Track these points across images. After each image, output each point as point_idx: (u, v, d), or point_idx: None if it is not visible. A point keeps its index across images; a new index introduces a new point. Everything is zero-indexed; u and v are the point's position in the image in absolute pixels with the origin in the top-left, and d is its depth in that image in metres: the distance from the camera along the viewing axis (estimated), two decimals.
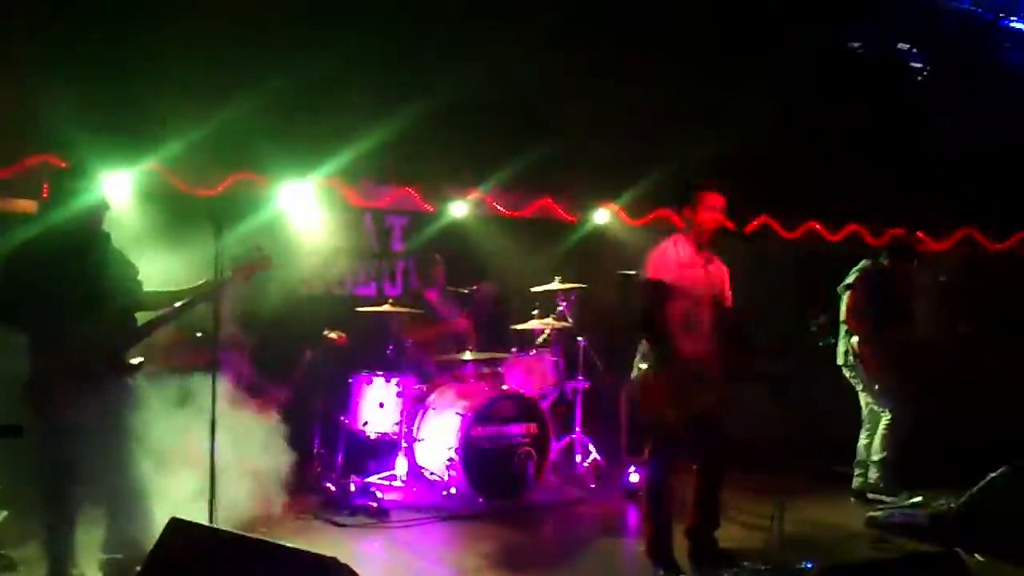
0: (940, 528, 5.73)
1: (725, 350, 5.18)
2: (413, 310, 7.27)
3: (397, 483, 6.84)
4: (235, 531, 3.61)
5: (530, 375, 7.37)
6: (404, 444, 6.89)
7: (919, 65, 8.97)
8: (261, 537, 3.09)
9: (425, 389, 7.15)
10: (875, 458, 6.84)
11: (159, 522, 3.30)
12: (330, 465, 6.81)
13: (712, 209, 5.22)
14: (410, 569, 5.46)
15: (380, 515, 6.24)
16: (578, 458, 7.48)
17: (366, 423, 6.99)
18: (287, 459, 5.94)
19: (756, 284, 6.08)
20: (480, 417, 6.64)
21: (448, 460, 6.54)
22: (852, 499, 6.91)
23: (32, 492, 4.45)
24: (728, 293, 5.38)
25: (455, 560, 5.61)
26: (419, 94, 7.54)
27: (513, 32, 7.86)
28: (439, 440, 6.74)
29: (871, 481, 6.86)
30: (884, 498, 6.67)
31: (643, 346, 5.25)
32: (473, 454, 6.56)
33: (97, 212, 4.51)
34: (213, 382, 4.44)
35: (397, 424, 6.89)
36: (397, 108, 7.48)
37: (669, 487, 5.21)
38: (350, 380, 7.15)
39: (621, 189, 8.99)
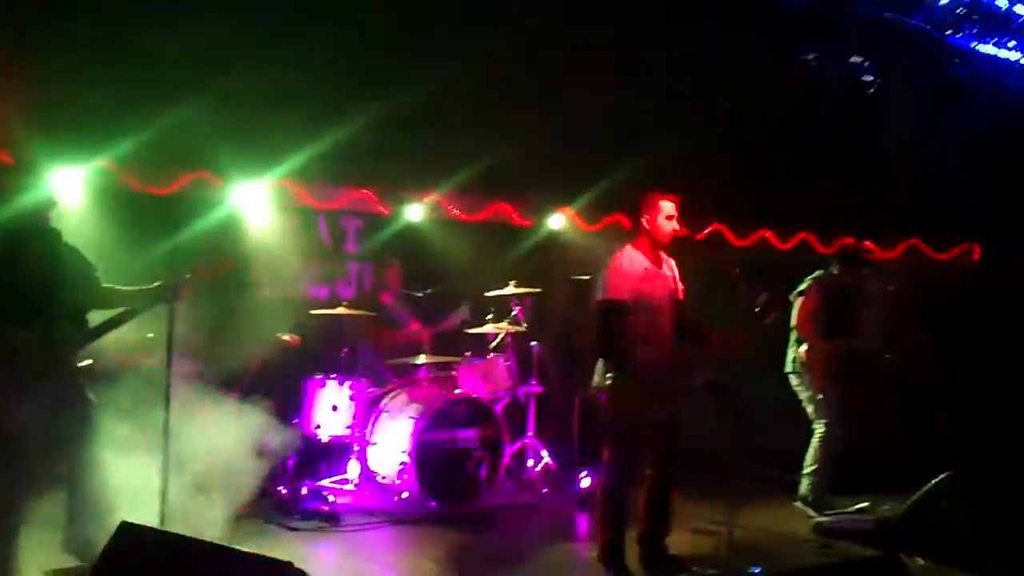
0: (885, 533, 5.83)
1: (687, 350, 5.24)
2: (367, 313, 7.25)
3: (349, 487, 6.81)
4: (186, 535, 3.57)
5: (484, 379, 7.38)
6: (356, 448, 6.87)
7: (870, 78, 9.14)
8: (212, 541, 3.07)
9: (378, 393, 7.14)
10: (807, 470, 6.90)
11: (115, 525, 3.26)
12: (282, 469, 6.76)
13: (667, 216, 5.26)
14: (361, 573, 5.45)
15: (332, 519, 6.21)
16: (531, 463, 7.50)
17: (319, 426, 6.95)
18: (239, 463, 5.87)
19: (706, 290, 6.14)
20: (433, 421, 6.64)
21: (401, 464, 6.54)
22: (798, 505, 6.99)
23: None
24: (680, 286, 5.44)
25: (407, 564, 5.61)
26: (375, 96, 7.51)
27: (470, 35, 7.87)
28: (392, 444, 6.72)
29: (803, 493, 6.92)
30: (816, 510, 6.76)
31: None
32: (426, 458, 6.55)
33: (43, 209, 4.43)
34: (166, 385, 4.40)
35: (350, 427, 6.87)
36: (352, 109, 7.46)
37: (622, 493, 5.26)
38: (303, 383, 7.11)
39: (576, 194, 9.03)
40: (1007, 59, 9.98)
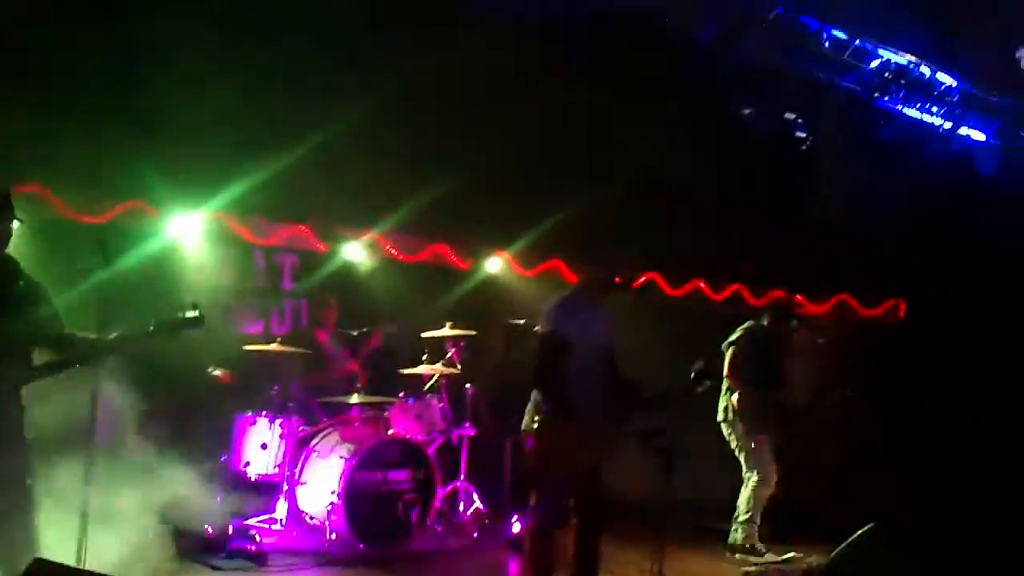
0: None
1: (617, 400, 5.27)
2: (301, 350, 7.17)
3: (277, 527, 6.67)
4: (102, 572, 3.48)
5: (417, 421, 7.33)
6: (285, 487, 6.76)
7: (803, 135, 9.42)
8: None
9: (310, 431, 7.04)
10: (739, 518, 7.01)
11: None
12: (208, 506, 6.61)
13: (604, 264, 5.34)
14: None
15: (258, 559, 6.08)
16: (462, 506, 7.45)
17: (247, 464, 6.83)
18: (164, 498, 5.75)
19: (639, 338, 6.21)
20: (364, 462, 6.56)
21: (330, 504, 6.44)
22: (728, 554, 7.06)
23: None
24: (614, 338, 5.45)
25: None
26: (313, 131, 7.48)
27: (413, 75, 7.89)
28: (322, 484, 6.62)
29: (736, 541, 7.00)
30: (749, 558, 6.84)
31: (536, 396, 5.30)
32: (356, 499, 6.47)
33: None
34: (92, 417, 4.29)
35: (279, 466, 6.76)
36: (291, 144, 7.42)
37: (552, 537, 5.25)
38: (233, 419, 6.99)
39: (514, 238, 9.10)
40: (931, 124, 10.37)
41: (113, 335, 4.39)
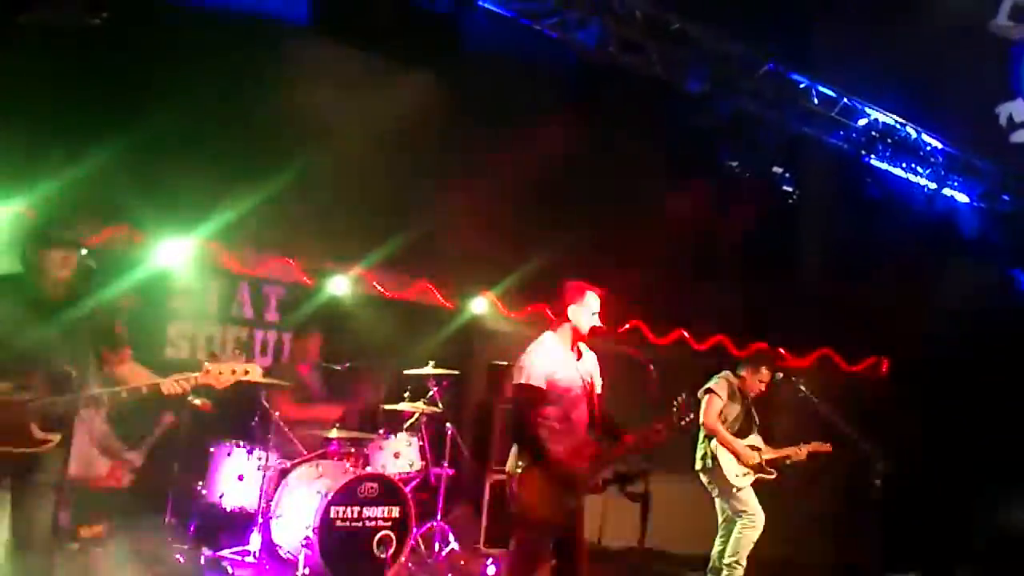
0: None
1: (599, 443, 5.26)
2: (283, 383, 7.15)
3: (250, 559, 6.60)
4: None
5: (396, 458, 7.31)
6: (260, 519, 6.70)
7: (790, 189, 9.52)
8: None
9: (288, 465, 7.00)
10: (727, 561, 7.01)
11: None
12: (181, 536, 6.55)
13: (591, 309, 5.33)
14: None
15: None
16: (437, 546, 7.40)
17: (223, 495, 6.77)
18: (136, 527, 5.71)
19: (621, 386, 6.21)
20: (341, 497, 6.52)
21: (304, 539, 6.39)
22: None
23: None
24: (598, 381, 5.42)
25: None
26: (302, 164, 7.47)
27: (403, 111, 7.91)
28: (297, 518, 6.57)
29: None
30: None
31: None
32: (330, 535, 6.41)
33: None
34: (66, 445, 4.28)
35: (256, 498, 6.71)
36: (280, 176, 7.39)
37: None
38: (211, 449, 6.95)
39: (500, 280, 9.12)
40: (916, 184, 10.51)
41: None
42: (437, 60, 7.76)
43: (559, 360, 5.19)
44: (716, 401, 7.08)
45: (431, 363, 7.55)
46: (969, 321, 10.56)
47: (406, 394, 7.53)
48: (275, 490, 6.83)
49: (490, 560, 7.40)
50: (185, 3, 7.30)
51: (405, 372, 7.63)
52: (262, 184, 7.36)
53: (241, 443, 6.91)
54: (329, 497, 6.46)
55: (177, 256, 7.54)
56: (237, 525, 6.84)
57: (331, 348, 7.91)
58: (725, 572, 7.01)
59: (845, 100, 9.50)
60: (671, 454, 6.00)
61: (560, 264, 8.19)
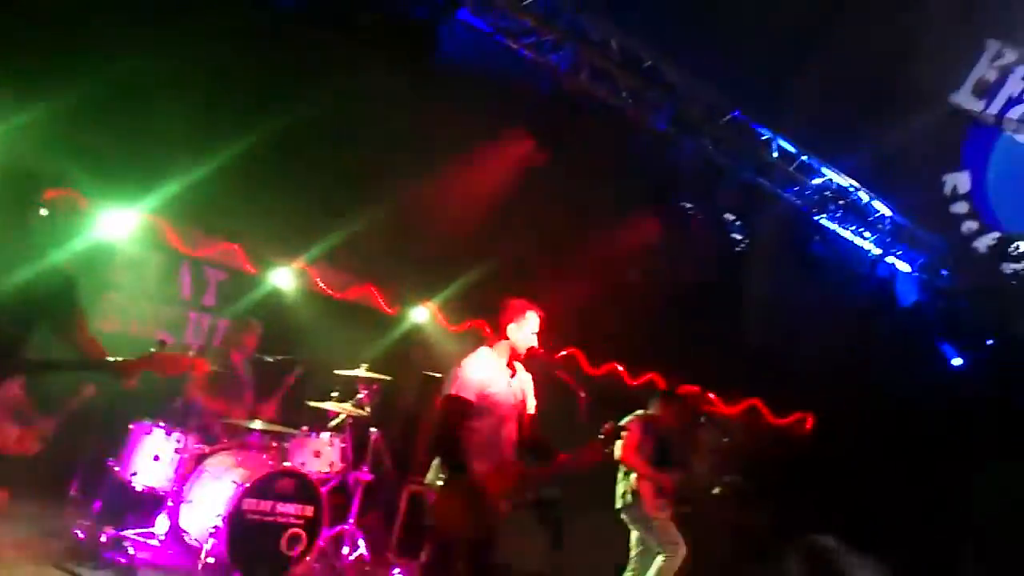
0: None
1: (523, 464, 5.26)
2: (213, 368, 7.04)
3: (154, 542, 6.46)
4: None
5: (316, 456, 7.24)
6: (170, 503, 6.58)
7: (739, 237, 9.65)
8: None
9: (206, 451, 6.89)
10: None
11: None
12: (85, 511, 6.41)
13: (530, 329, 5.34)
14: None
15: (127, 573, 5.89)
16: (346, 550, 7.32)
17: (135, 473, 6.63)
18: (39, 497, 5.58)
19: (551, 410, 6.23)
20: (255, 490, 6.42)
21: (213, 527, 6.28)
22: None
23: None
24: (532, 402, 5.43)
25: None
26: (258, 150, 7.32)
27: (360, 114, 7.86)
28: (208, 505, 6.46)
29: None
30: None
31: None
32: (240, 526, 6.31)
33: None
34: None
35: (168, 481, 6.59)
36: (235, 159, 7.24)
37: None
38: (130, 426, 6.82)
39: (443, 291, 9.11)
40: (862, 247, 10.73)
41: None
42: (410, 65, 7.75)
43: (493, 375, 5.19)
44: (634, 438, 7.13)
45: (364, 366, 7.49)
46: (896, 389, 10.79)
47: (335, 394, 7.45)
48: (189, 475, 6.71)
49: (398, 570, 7.34)
50: None
51: (336, 372, 7.56)
52: (217, 165, 7.25)
53: (162, 423, 6.78)
54: (243, 488, 6.37)
55: (121, 227, 7.41)
56: (145, 506, 6.69)
57: (266, 339, 7.83)
58: None
59: (804, 157, 9.67)
60: (587, 485, 6.02)
61: (504, 282, 8.19)
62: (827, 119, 9.98)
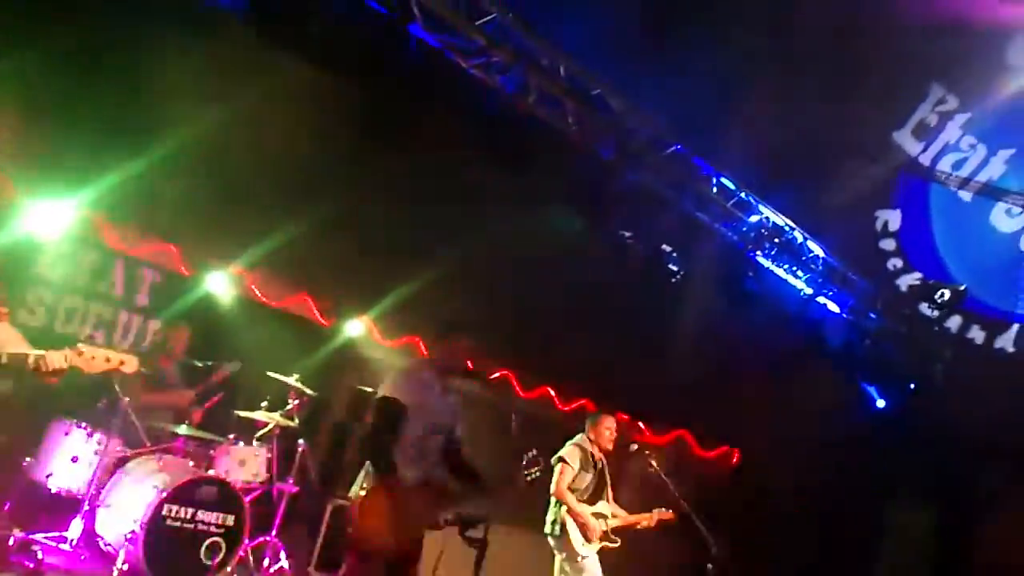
0: None
1: (449, 480, 5.27)
2: (141, 370, 6.88)
3: (65, 547, 6.26)
4: None
5: (241, 465, 7.12)
6: (87, 506, 6.40)
7: (675, 268, 9.74)
8: None
9: (128, 454, 6.73)
10: None
11: None
12: None
13: (462, 352, 5.42)
14: None
15: None
16: (266, 562, 7.20)
17: (51, 474, 6.45)
18: None
19: (481, 431, 6.23)
20: (176, 496, 6.31)
21: (129, 533, 6.14)
22: None
23: None
24: (460, 424, 5.48)
25: None
26: (199, 151, 7.24)
27: (311, 124, 7.80)
28: (126, 510, 6.30)
29: None
30: None
31: (368, 466, 5.23)
32: (158, 533, 6.18)
33: None
34: None
35: (86, 483, 6.41)
36: (171, 158, 7.09)
37: None
38: (49, 425, 6.63)
39: (378, 306, 9.04)
40: (794, 286, 10.92)
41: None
42: (360, 75, 7.71)
43: (420, 389, 5.26)
44: (568, 470, 7.11)
45: (295, 376, 7.41)
46: (821, 428, 10.99)
47: (264, 404, 7.35)
48: (109, 478, 6.55)
49: None
50: None
51: (267, 380, 7.45)
52: (157, 163, 7.11)
53: (83, 424, 6.61)
54: (164, 494, 6.25)
55: (54, 219, 7.22)
56: (59, 509, 6.50)
57: (196, 344, 7.70)
58: None
59: (742, 194, 9.82)
60: (514, 507, 6.01)
61: (440, 301, 8.19)
62: (768, 156, 10.19)
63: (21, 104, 6.52)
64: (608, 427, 7.38)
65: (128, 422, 6.77)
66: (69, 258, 7.51)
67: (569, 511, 7.04)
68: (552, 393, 10.51)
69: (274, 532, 7.25)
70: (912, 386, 11.92)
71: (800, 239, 10.57)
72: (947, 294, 10.76)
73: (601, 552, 7.19)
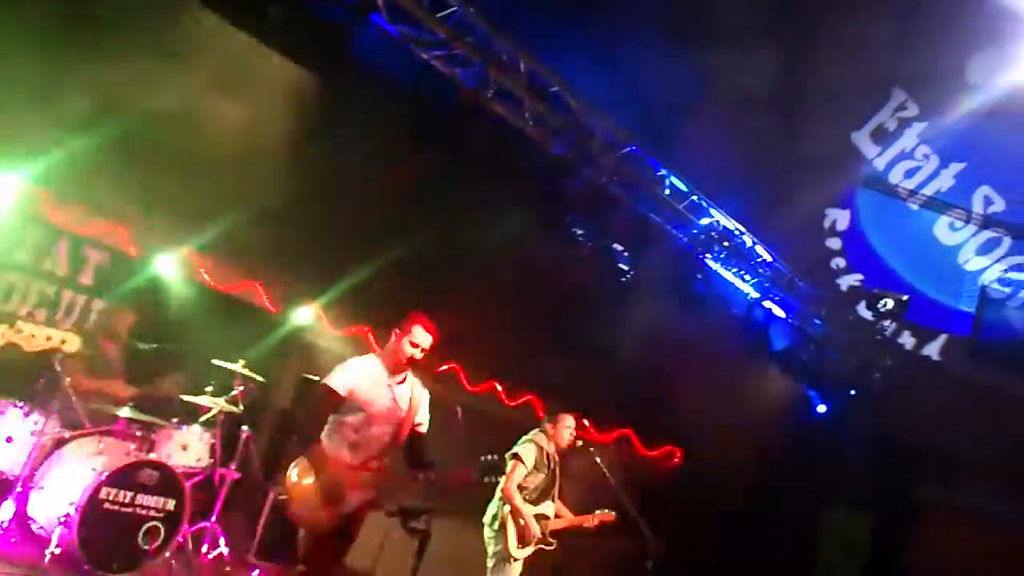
0: None
1: (403, 473, 5.29)
2: (83, 350, 6.77)
3: None
4: None
5: (183, 450, 7.04)
6: (19, 488, 6.28)
7: (626, 268, 9.83)
8: None
9: (67, 435, 6.61)
10: None
11: None
12: None
13: (411, 341, 5.39)
14: None
15: None
16: (205, 548, 7.13)
17: None
18: None
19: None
20: (115, 479, 6.21)
21: (64, 515, 6.03)
22: None
23: None
24: (423, 417, 5.54)
25: None
26: (153, 130, 7.16)
27: (269, 108, 7.74)
28: (61, 492, 6.18)
29: None
30: None
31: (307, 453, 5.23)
32: (94, 516, 6.08)
33: None
34: None
35: (20, 464, 6.28)
36: (123, 137, 6.99)
37: None
38: None
39: (328, 295, 8.99)
40: (741, 290, 11.08)
41: None
42: (321, 64, 7.68)
43: (370, 376, 5.34)
44: (520, 469, 7.05)
45: (241, 362, 7.34)
46: (763, 430, 11.16)
47: (208, 388, 7.27)
48: (45, 459, 6.43)
49: (257, 572, 7.20)
50: None
51: (212, 366, 7.37)
52: (106, 141, 6.98)
53: (20, 403, 6.48)
54: (103, 476, 6.15)
55: None
56: None
57: (142, 326, 7.59)
58: None
59: (694, 197, 9.93)
60: (458, 500, 6.02)
61: (391, 291, 8.16)
62: (723, 159, 10.31)
63: None
64: (568, 426, 7.39)
65: (68, 403, 6.64)
66: (11, 234, 7.34)
67: (512, 511, 7.02)
68: (499, 388, 10.51)
69: (214, 518, 7.17)
70: (852, 392, 12.15)
71: (749, 243, 10.72)
72: (890, 303, 10.98)
73: (539, 552, 7.20)
